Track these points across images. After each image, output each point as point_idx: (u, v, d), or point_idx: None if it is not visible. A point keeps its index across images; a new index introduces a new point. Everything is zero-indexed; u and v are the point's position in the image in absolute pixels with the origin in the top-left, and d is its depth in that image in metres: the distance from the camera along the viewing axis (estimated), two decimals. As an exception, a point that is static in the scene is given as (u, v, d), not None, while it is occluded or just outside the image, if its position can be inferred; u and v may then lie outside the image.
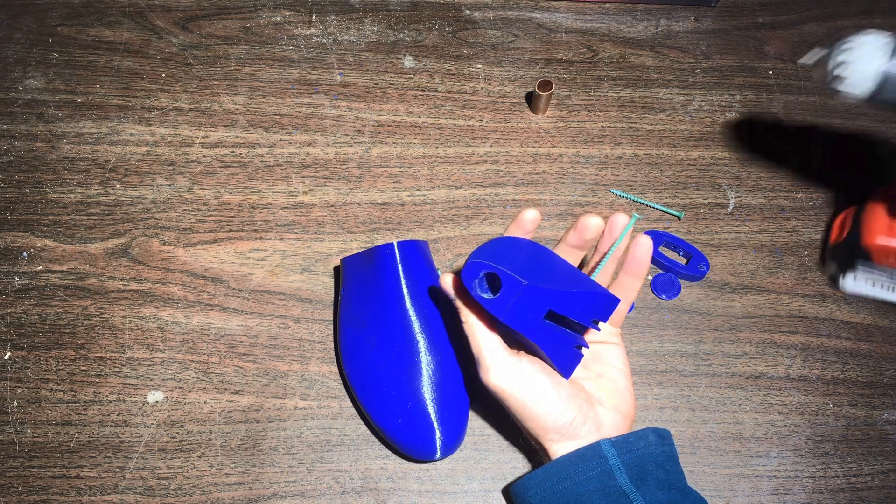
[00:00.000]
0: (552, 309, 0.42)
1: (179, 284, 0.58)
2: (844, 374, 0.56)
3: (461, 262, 0.59)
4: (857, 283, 0.54)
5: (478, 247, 0.44)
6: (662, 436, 0.46)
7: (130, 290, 0.57)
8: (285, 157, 0.63)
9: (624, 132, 0.66)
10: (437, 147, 0.64)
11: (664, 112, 0.67)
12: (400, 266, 0.51)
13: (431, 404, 0.49)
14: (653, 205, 0.62)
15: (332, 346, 0.56)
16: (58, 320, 0.56)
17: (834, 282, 0.55)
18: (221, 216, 0.60)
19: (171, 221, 0.60)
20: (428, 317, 0.51)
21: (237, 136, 0.64)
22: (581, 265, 0.53)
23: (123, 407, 0.53)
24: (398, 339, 0.50)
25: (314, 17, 0.71)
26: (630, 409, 0.47)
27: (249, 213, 0.61)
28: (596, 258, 0.48)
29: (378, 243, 0.60)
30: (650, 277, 0.59)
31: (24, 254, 0.58)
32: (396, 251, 0.51)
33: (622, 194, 0.62)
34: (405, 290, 0.51)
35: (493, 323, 0.45)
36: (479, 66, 0.69)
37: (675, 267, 0.58)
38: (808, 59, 0.49)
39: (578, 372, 0.48)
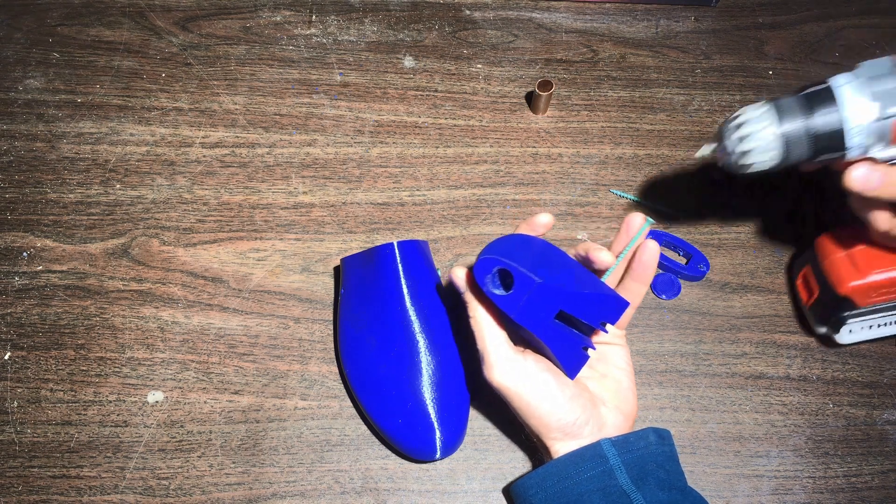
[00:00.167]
0: (563, 309, 0.42)
1: (179, 284, 0.57)
2: (844, 374, 0.56)
3: (461, 261, 0.59)
4: (853, 334, 0.53)
5: (490, 242, 0.44)
6: (663, 436, 0.46)
7: (130, 290, 0.57)
8: (285, 157, 0.63)
9: (624, 132, 0.66)
10: (437, 147, 0.64)
11: (664, 112, 0.67)
12: (400, 266, 0.51)
13: (431, 404, 0.49)
14: (652, 205, 0.62)
15: (332, 346, 0.56)
16: (58, 320, 0.56)
17: (829, 340, 0.54)
18: (221, 216, 0.60)
19: (171, 221, 0.60)
20: (428, 317, 0.51)
21: (237, 136, 0.64)
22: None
23: (123, 407, 0.53)
24: (398, 339, 0.50)
25: (314, 17, 0.71)
26: (632, 409, 0.47)
27: (249, 213, 0.61)
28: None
29: (378, 243, 0.60)
30: (650, 277, 0.59)
31: (24, 254, 0.58)
32: (396, 251, 0.51)
33: (622, 194, 0.62)
34: (405, 290, 0.51)
35: (500, 320, 0.45)
36: (479, 66, 0.69)
37: (675, 267, 0.58)
38: (704, 151, 0.48)
39: (583, 371, 0.48)
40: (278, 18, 0.71)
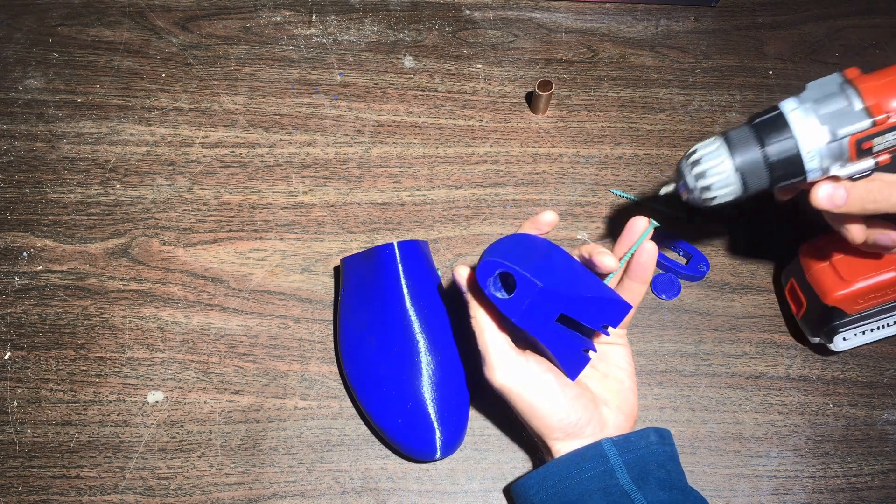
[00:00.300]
0: (564, 312, 0.42)
1: (179, 284, 0.57)
2: (844, 374, 0.56)
3: (461, 261, 0.59)
4: (847, 341, 0.53)
5: (492, 242, 0.44)
6: (663, 436, 0.46)
7: (130, 290, 0.57)
8: (285, 157, 0.63)
9: (624, 132, 0.66)
10: (437, 147, 0.64)
11: (664, 112, 0.67)
12: (400, 266, 0.51)
13: (431, 404, 0.49)
14: (652, 204, 0.62)
15: (332, 346, 0.56)
16: (58, 320, 0.56)
17: (825, 349, 0.54)
18: (221, 216, 0.60)
19: (171, 221, 0.60)
20: (428, 317, 0.51)
21: (237, 136, 0.64)
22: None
23: (123, 407, 0.53)
24: (398, 339, 0.50)
25: (314, 17, 0.71)
26: (633, 409, 0.47)
27: (249, 213, 0.61)
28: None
29: (378, 243, 0.60)
30: (650, 277, 0.59)
31: (24, 254, 0.58)
32: (396, 251, 0.51)
33: (622, 194, 0.62)
34: (405, 290, 0.51)
35: (502, 321, 0.45)
36: (479, 66, 0.69)
37: (675, 267, 0.58)
38: (667, 189, 0.47)
39: (584, 371, 0.48)
40: (278, 18, 0.71)
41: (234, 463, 0.51)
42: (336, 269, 0.59)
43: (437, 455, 0.49)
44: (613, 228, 0.61)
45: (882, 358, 0.56)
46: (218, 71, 0.67)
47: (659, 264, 0.59)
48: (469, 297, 0.45)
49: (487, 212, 0.61)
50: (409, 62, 0.69)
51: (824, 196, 0.42)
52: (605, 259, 0.44)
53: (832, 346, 0.53)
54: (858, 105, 0.41)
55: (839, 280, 0.50)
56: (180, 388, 0.54)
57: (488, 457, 0.52)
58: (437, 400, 0.49)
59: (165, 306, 0.57)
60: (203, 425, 0.52)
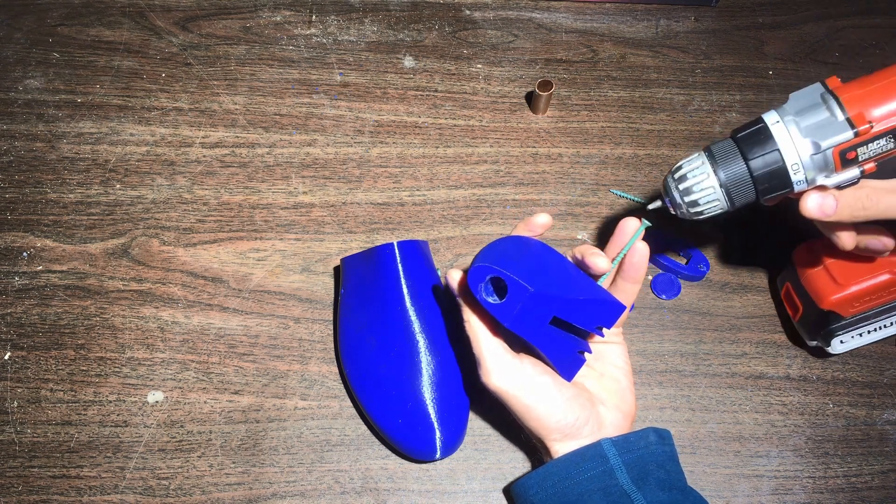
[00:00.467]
0: (557, 315, 0.41)
1: (179, 284, 0.57)
2: (844, 374, 0.56)
3: (461, 261, 0.59)
4: (844, 344, 0.53)
5: (485, 246, 0.44)
6: (663, 436, 0.46)
7: (130, 290, 0.57)
8: (285, 157, 0.63)
9: (624, 132, 0.66)
10: (437, 147, 0.64)
11: (664, 112, 0.67)
12: (400, 266, 0.51)
13: (431, 404, 0.49)
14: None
15: (332, 346, 0.56)
16: (58, 320, 0.56)
17: (823, 351, 0.54)
18: (221, 216, 0.60)
19: (171, 221, 0.60)
20: (428, 317, 0.51)
21: (237, 136, 0.64)
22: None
23: (123, 407, 0.53)
24: (398, 339, 0.50)
25: (314, 17, 0.71)
26: (631, 408, 0.47)
27: (249, 213, 0.61)
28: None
29: (378, 243, 0.60)
30: (650, 277, 0.59)
31: (24, 254, 0.58)
32: (396, 251, 0.51)
33: (622, 194, 0.62)
34: (405, 290, 0.51)
35: (495, 324, 0.45)
36: (479, 66, 0.69)
37: (675, 267, 0.58)
38: (655, 205, 0.48)
39: (581, 370, 0.48)
40: (278, 18, 0.71)
41: (234, 463, 0.51)
42: (336, 269, 0.59)
43: (437, 455, 0.49)
44: (613, 228, 0.61)
45: (882, 358, 0.56)
46: (218, 71, 0.67)
47: (659, 264, 0.59)
48: (461, 301, 0.45)
49: (487, 212, 0.61)
50: (409, 62, 0.69)
51: (814, 206, 0.42)
52: (598, 260, 0.44)
53: (830, 350, 0.53)
54: (840, 116, 0.40)
55: (834, 284, 0.50)
56: (180, 388, 0.54)
57: (488, 457, 0.52)
58: (437, 400, 0.49)
59: (165, 306, 0.57)
60: (203, 425, 0.53)
